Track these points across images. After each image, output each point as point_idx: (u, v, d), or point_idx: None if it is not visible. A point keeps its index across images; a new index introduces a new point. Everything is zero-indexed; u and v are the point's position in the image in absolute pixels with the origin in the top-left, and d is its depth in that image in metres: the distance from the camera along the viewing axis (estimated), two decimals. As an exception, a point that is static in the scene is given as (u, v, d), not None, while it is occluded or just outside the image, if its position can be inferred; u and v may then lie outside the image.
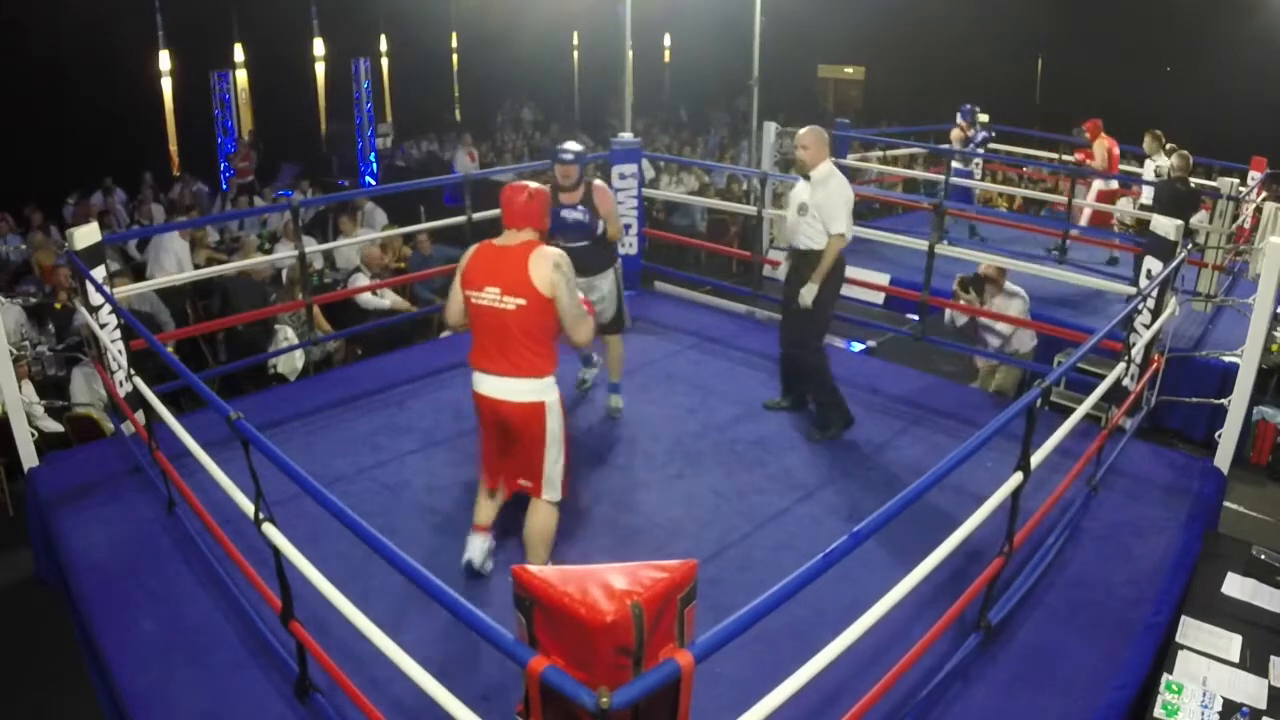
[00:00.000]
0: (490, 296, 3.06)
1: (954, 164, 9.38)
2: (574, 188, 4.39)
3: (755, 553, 3.66)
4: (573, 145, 4.41)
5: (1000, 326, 5.72)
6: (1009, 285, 5.79)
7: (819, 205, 4.35)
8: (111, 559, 3.59)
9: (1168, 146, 8.09)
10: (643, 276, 6.71)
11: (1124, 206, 8.65)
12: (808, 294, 4.43)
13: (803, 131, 4.47)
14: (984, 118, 9.68)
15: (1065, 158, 10.61)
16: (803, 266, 4.48)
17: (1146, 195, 8.21)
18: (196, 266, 7.77)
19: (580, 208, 4.39)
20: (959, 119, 9.59)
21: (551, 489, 3.26)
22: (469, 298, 3.12)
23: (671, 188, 11.57)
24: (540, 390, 3.14)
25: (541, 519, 3.28)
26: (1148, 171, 8.37)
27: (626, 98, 8.32)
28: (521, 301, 3.04)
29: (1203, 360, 5.87)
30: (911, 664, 2.66)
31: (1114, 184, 8.70)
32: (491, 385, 3.13)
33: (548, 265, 3.06)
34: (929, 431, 4.70)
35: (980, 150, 9.52)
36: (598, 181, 4.50)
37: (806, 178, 4.43)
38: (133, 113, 12.79)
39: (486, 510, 3.39)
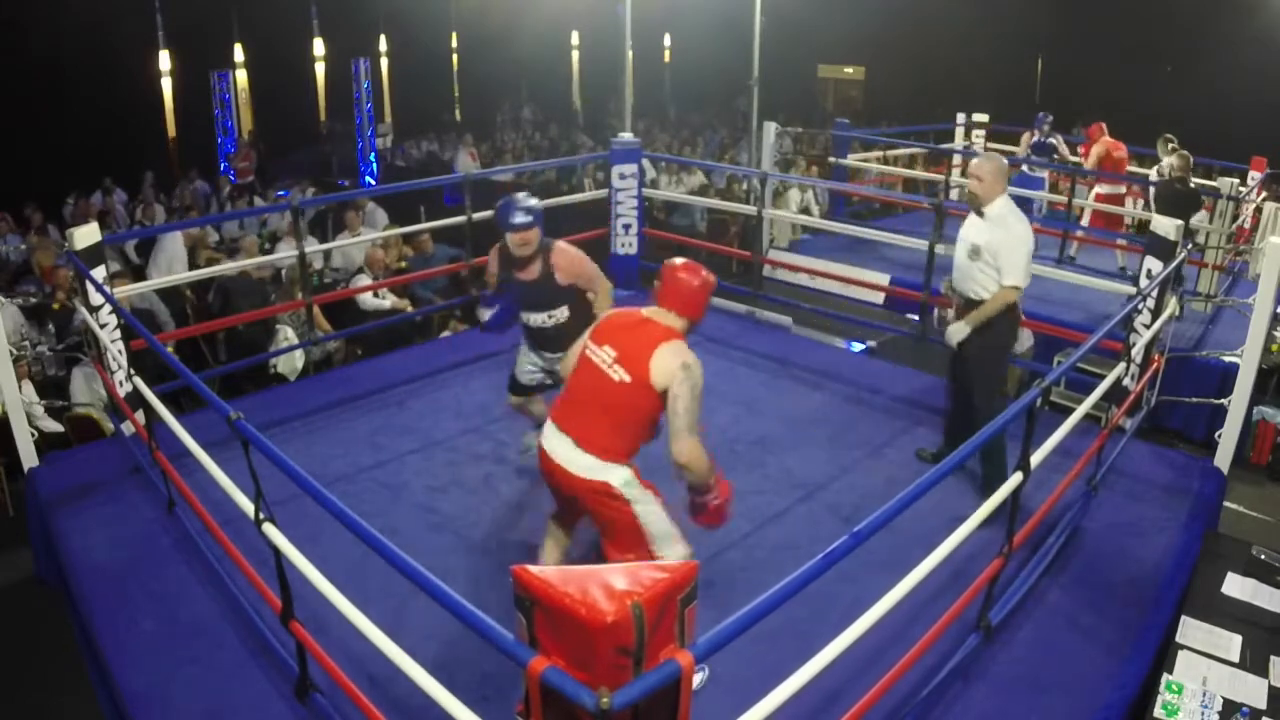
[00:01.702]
0: (604, 356, 2.82)
1: (1023, 169, 9.01)
2: (532, 258, 3.62)
3: (755, 553, 3.66)
4: (526, 199, 3.62)
5: None
6: None
7: (994, 250, 3.79)
8: (111, 559, 3.59)
9: (1170, 146, 8.08)
10: (642, 276, 6.71)
11: (1127, 210, 8.62)
12: (956, 332, 3.93)
13: (977, 160, 3.94)
14: (1048, 118, 9.22)
15: (1058, 157, 10.59)
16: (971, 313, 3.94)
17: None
18: (196, 267, 7.77)
19: (539, 286, 3.66)
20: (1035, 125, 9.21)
21: (668, 549, 2.90)
22: (586, 346, 2.91)
23: (671, 188, 11.57)
24: (603, 470, 2.80)
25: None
26: (1155, 175, 8.34)
27: (626, 98, 8.32)
28: (628, 378, 2.77)
29: (1203, 360, 5.87)
30: (911, 664, 2.66)
31: (1119, 188, 8.64)
32: (558, 443, 2.85)
33: (676, 361, 2.76)
34: (929, 431, 4.69)
35: (1039, 158, 9.14)
36: (559, 244, 3.73)
37: (980, 213, 3.89)
38: (133, 113, 12.80)
39: (553, 554, 3.18)
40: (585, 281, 3.73)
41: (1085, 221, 8.55)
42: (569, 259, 3.68)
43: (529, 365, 3.98)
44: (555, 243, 3.73)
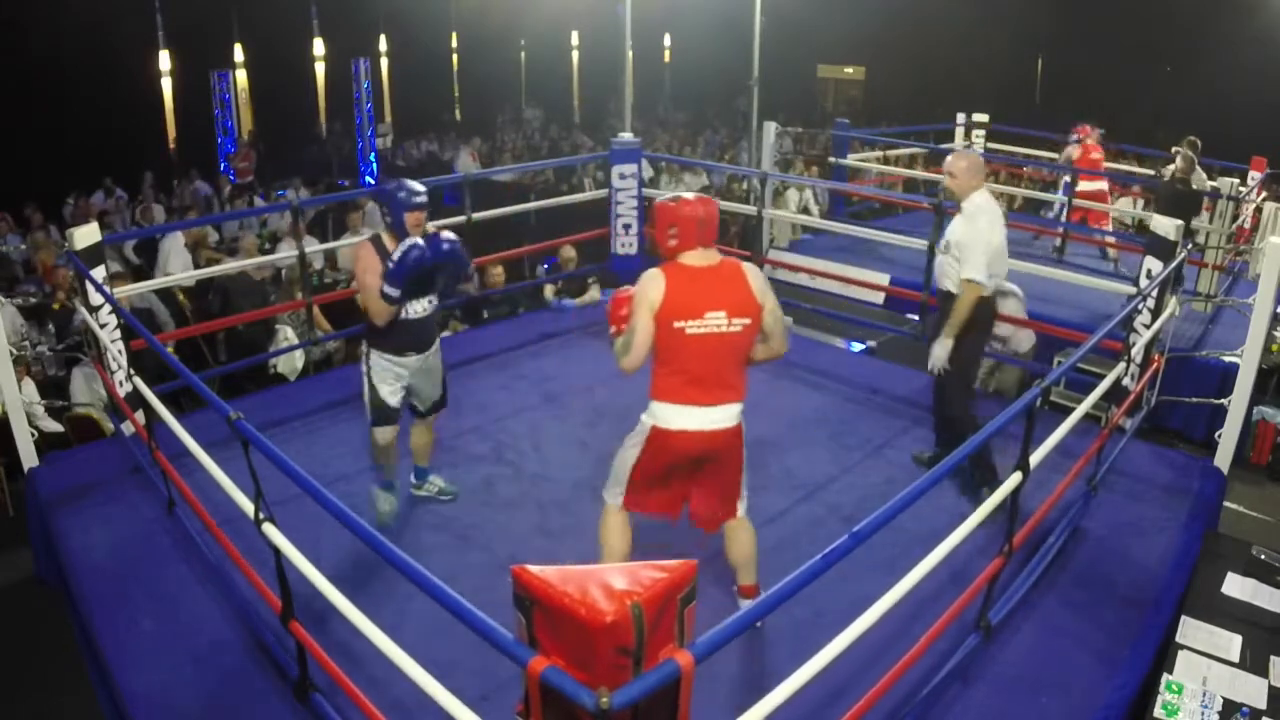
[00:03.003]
0: (715, 322, 2.82)
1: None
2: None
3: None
4: (413, 184, 3.54)
5: (1000, 329, 5.72)
6: (1004, 284, 5.78)
7: (959, 244, 3.88)
8: (111, 559, 3.59)
9: (1173, 149, 8.08)
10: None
11: (1120, 207, 8.64)
12: (938, 354, 3.99)
13: (951, 157, 4.05)
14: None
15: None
16: (946, 310, 4.03)
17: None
18: (197, 267, 7.78)
19: (426, 237, 3.48)
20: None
21: (744, 502, 3.12)
22: (681, 330, 2.82)
23: (670, 187, 11.57)
24: (739, 411, 2.96)
25: (750, 534, 3.16)
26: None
27: (626, 98, 8.31)
28: (747, 321, 2.86)
29: (1203, 360, 5.87)
30: (911, 664, 2.66)
31: (1098, 184, 8.66)
32: (705, 418, 2.88)
33: (761, 277, 2.93)
34: (929, 431, 4.69)
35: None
36: (432, 225, 3.67)
37: (959, 209, 3.99)
38: (133, 113, 12.80)
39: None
40: None
41: (1063, 217, 8.58)
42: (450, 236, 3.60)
43: (390, 380, 3.67)
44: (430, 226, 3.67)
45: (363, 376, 3.70)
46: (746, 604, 3.15)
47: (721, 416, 2.91)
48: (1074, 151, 8.79)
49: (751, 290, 2.87)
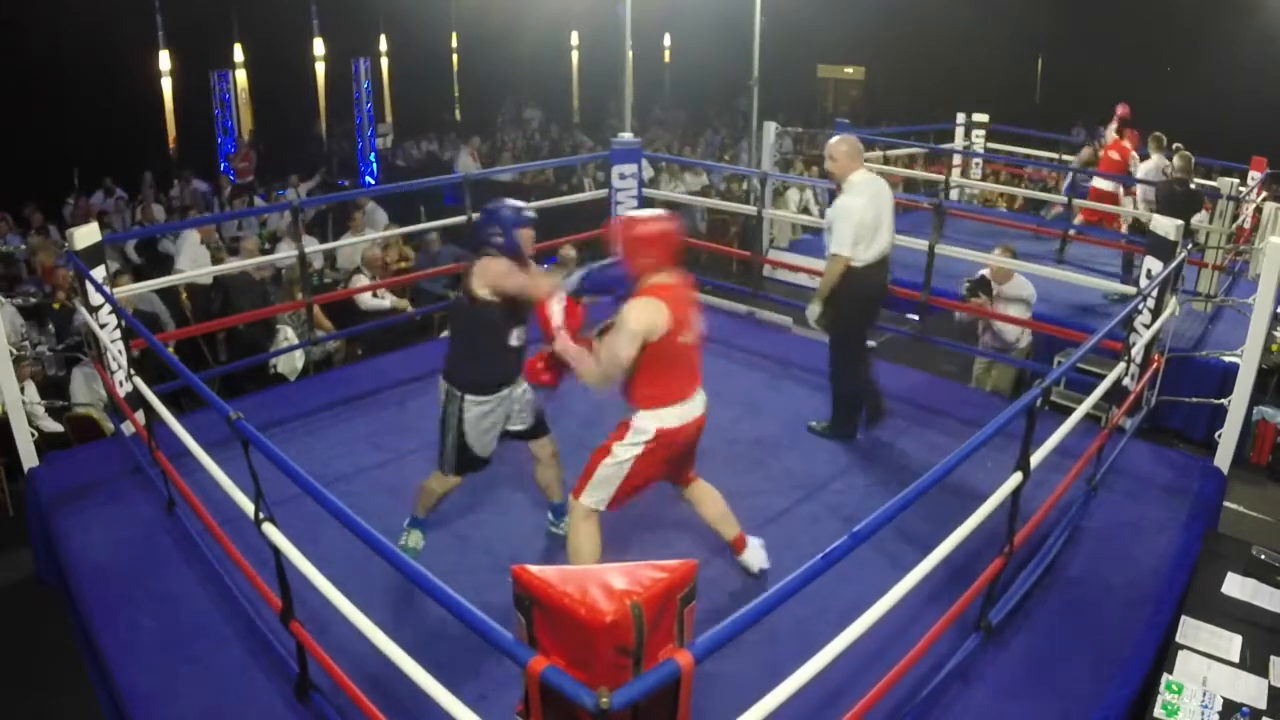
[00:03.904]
0: (696, 329, 3.17)
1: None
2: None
3: (755, 553, 3.65)
4: (512, 200, 3.39)
5: (1009, 330, 5.74)
6: (1017, 279, 5.79)
7: (831, 220, 4.29)
8: (111, 559, 3.59)
9: (1174, 146, 8.07)
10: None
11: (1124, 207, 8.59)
12: (810, 311, 4.44)
13: (833, 140, 4.38)
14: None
15: (1065, 157, 10.60)
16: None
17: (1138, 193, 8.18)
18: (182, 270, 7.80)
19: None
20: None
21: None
22: (682, 343, 3.08)
23: (671, 188, 11.57)
24: None
25: (713, 490, 3.47)
26: (1142, 170, 8.31)
27: (626, 98, 8.32)
28: (702, 321, 3.22)
29: (1203, 360, 5.87)
30: (911, 664, 2.66)
31: (1107, 185, 8.61)
32: (696, 405, 3.20)
33: None
34: (929, 431, 4.70)
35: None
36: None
37: (840, 188, 4.34)
38: (133, 113, 12.78)
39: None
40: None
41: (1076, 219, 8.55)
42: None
43: (485, 426, 3.39)
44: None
45: (451, 419, 3.36)
46: (741, 558, 3.44)
47: (702, 400, 3.24)
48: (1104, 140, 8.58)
49: (695, 294, 3.19)
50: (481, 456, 3.44)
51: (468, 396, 3.34)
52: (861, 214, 4.20)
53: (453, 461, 3.41)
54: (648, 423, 3.10)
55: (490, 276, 3.27)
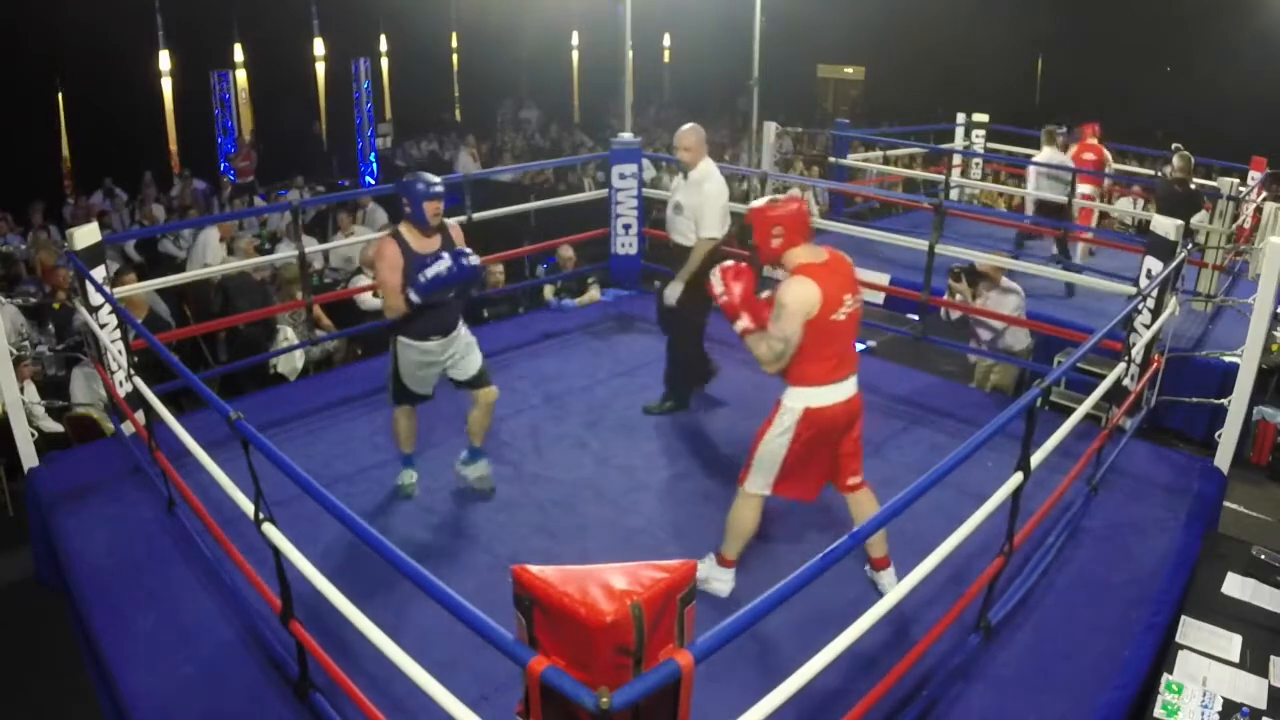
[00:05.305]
0: (849, 306, 3.18)
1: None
2: (438, 229, 3.73)
3: (755, 553, 3.65)
4: (429, 176, 3.70)
5: (993, 322, 5.72)
6: (1005, 282, 5.79)
7: (695, 208, 4.55)
8: (111, 559, 3.59)
9: (1174, 146, 8.07)
10: (643, 276, 6.70)
11: (1120, 207, 8.62)
12: (671, 292, 4.62)
13: (683, 130, 4.64)
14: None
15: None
16: (680, 258, 4.67)
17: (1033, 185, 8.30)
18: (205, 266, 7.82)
19: (451, 252, 3.63)
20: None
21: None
22: (834, 321, 3.12)
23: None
24: None
25: (875, 503, 3.39)
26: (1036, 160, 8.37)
27: (626, 98, 8.31)
28: (860, 299, 3.26)
29: (1203, 360, 5.87)
30: (911, 664, 2.66)
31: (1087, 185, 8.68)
32: (847, 388, 3.24)
33: (849, 261, 3.27)
34: (929, 431, 4.70)
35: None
36: (448, 220, 3.85)
37: (685, 176, 4.63)
38: (133, 113, 12.78)
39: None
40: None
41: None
42: (456, 229, 3.85)
43: (412, 364, 3.80)
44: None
45: (391, 358, 3.86)
46: (878, 576, 3.37)
47: (854, 384, 3.28)
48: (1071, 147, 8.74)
49: (854, 273, 3.26)
50: (418, 392, 3.91)
51: (400, 338, 3.78)
52: (723, 197, 4.60)
53: (393, 392, 3.91)
54: (795, 401, 3.17)
55: (372, 255, 3.95)
